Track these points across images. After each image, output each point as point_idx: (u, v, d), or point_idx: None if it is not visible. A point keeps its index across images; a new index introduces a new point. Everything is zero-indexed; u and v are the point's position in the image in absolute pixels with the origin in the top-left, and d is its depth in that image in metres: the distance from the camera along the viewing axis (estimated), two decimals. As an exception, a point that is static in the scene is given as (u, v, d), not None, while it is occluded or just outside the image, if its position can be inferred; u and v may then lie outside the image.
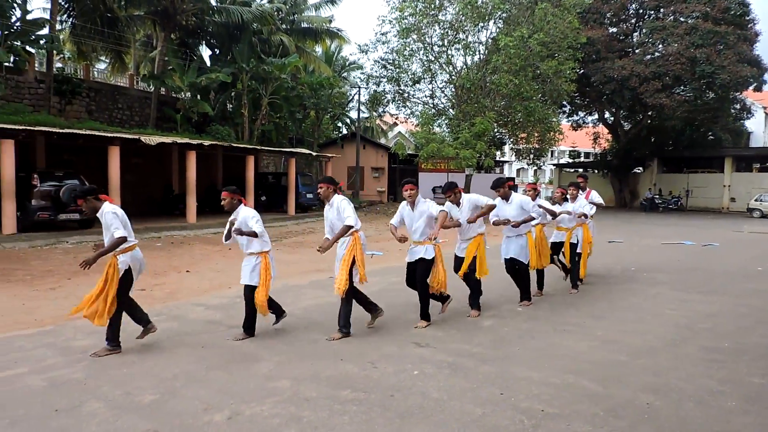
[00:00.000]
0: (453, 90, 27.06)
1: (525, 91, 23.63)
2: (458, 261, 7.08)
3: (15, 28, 17.68)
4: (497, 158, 37.35)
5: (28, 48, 18.37)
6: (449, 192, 6.92)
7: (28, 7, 19.75)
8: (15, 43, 17.55)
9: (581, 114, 38.98)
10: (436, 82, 27.70)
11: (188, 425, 3.84)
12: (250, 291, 5.89)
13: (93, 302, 5.31)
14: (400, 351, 5.52)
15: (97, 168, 17.78)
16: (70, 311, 5.64)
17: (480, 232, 6.94)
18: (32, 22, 18.27)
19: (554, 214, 8.03)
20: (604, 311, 7.40)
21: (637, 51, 31.64)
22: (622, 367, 5.08)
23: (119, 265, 5.36)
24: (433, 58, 26.51)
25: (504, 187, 7.32)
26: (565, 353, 5.50)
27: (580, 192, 9.64)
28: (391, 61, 27.15)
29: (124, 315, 5.53)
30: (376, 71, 27.97)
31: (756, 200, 29.34)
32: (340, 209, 5.94)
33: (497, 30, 25.95)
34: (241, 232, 5.73)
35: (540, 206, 7.85)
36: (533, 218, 7.34)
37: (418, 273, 6.38)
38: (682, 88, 30.74)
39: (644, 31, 32.02)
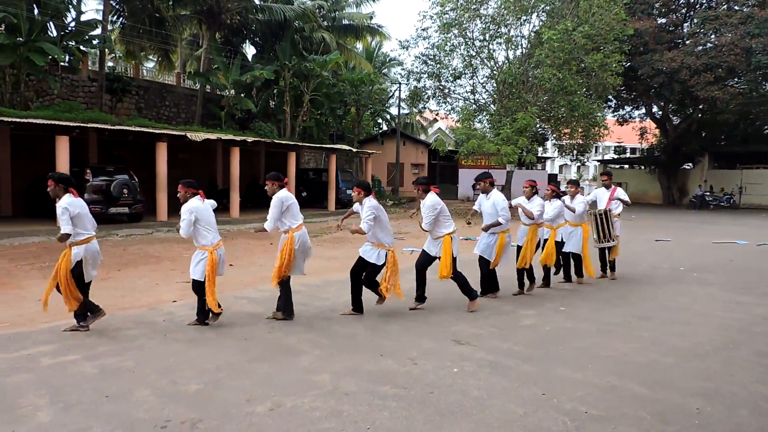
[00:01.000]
0: (494, 85, 26.68)
1: (569, 86, 23.09)
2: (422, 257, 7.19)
3: (70, 29, 18.38)
4: (539, 154, 36.70)
5: (81, 48, 19.08)
6: (481, 182, 7.30)
7: (82, 9, 20.46)
8: (70, 43, 18.25)
9: (627, 108, 37.84)
10: (477, 77, 27.36)
11: (231, 415, 3.92)
12: (196, 285, 6.07)
13: (58, 293, 5.75)
14: (439, 348, 5.50)
15: (145, 163, 18.34)
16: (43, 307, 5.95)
17: (447, 232, 6.81)
18: (86, 23, 18.95)
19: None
20: (650, 311, 7.19)
21: (687, 42, 30.47)
22: (670, 371, 4.92)
23: (72, 257, 5.70)
24: (474, 53, 26.19)
25: (485, 182, 7.32)
26: (609, 354, 5.36)
27: (604, 188, 9.58)
28: (431, 57, 26.96)
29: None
30: (416, 67, 27.84)
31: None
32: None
33: (540, 23, 25.42)
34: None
35: (514, 205, 7.89)
36: (500, 224, 7.19)
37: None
38: (736, 80, 29.43)
39: (696, 21, 30.81)
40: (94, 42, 19.31)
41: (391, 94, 34.86)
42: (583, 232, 8.68)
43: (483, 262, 7.54)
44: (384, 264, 6.51)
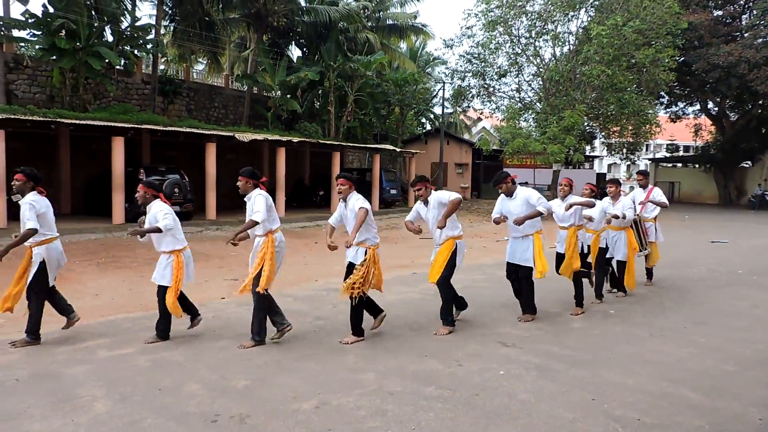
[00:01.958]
0: (540, 83, 26.20)
1: (618, 82, 22.44)
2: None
3: (125, 34, 19.08)
4: (587, 153, 35.79)
5: (136, 52, 19.79)
6: (419, 185, 6.12)
7: (137, 14, 21.24)
8: (125, 47, 18.95)
9: (681, 105, 36.45)
10: (522, 75, 26.94)
11: (278, 411, 3.98)
12: (161, 291, 5.62)
13: (11, 291, 5.47)
14: (485, 350, 5.43)
15: (195, 163, 18.86)
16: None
17: (450, 236, 6.03)
18: (140, 28, 19.64)
19: (592, 205, 7.05)
20: (706, 316, 6.90)
21: (746, 35, 29.12)
22: (729, 378, 4.71)
23: (33, 257, 5.45)
24: (519, 51, 25.79)
25: (506, 183, 6.44)
26: (662, 360, 5.17)
27: (641, 189, 8.82)
28: (476, 55, 26.70)
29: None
30: (460, 66, 27.62)
31: None
32: (251, 203, 5.55)
33: (588, 19, 24.81)
34: (136, 232, 5.56)
35: (568, 203, 6.92)
36: (540, 213, 6.22)
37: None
38: (799, 74, 27.95)
39: (755, 12, 29.41)
40: (148, 46, 19.99)
41: (434, 93, 34.70)
42: (627, 236, 7.65)
43: (519, 271, 6.50)
44: (363, 262, 5.67)
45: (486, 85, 27.35)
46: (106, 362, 4.99)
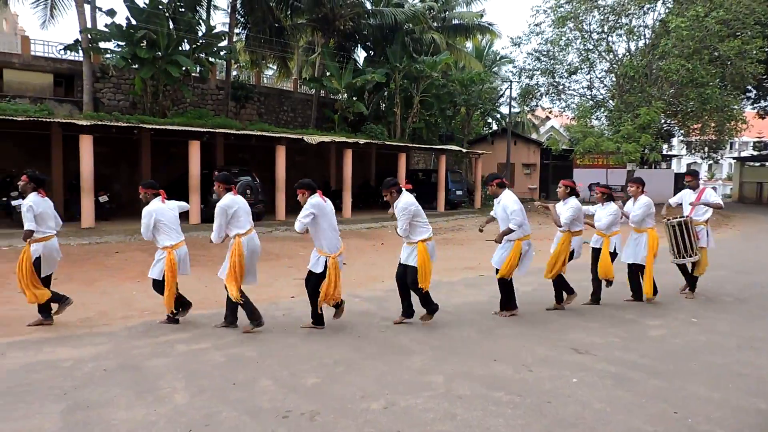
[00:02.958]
0: (614, 79, 25.22)
1: (700, 77, 21.21)
2: (400, 268, 6.31)
3: (200, 42, 19.95)
4: (664, 152, 34.09)
5: (210, 59, 20.64)
6: (385, 191, 6.14)
7: (211, 23, 22.15)
8: (201, 55, 19.82)
9: (771, 99, 34.05)
10: (594, 71, 26.04)
11: (347, 410, 4.02)
12: (155, 284, 6.13)
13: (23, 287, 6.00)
14: (556, 356, 5.27)
15: (266, 165, 19.45)
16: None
17: (419, 239, 6.04)
18: (214, 36, 20.47)
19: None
20: (802, 328, 6.38)
21: None
22: (829, 395, 4.33)
23: (32, 253, 5.96)
24: (591, 47, 24.94)
25: (491, 185, 6.45)
26: (753, 373, 4.83)
27: (690, 191, 7.97)
28: (545, 53, 26.06)
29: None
30: (528, 64, 27.06)
31: None
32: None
33: (666, 11, 23.64)
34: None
35: (543, 206, 7.00)
36: (511, 230, 6.20)
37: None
38: None
39: None
40: (222, 53, 20.80)
41: (501, 92, 34.14)
42: (648, 239, 7.15)
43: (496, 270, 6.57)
44: (323, 273, 5.79)
45: (555, 83, 26.64)
46: (185, 356, 5.22)
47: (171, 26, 18.57)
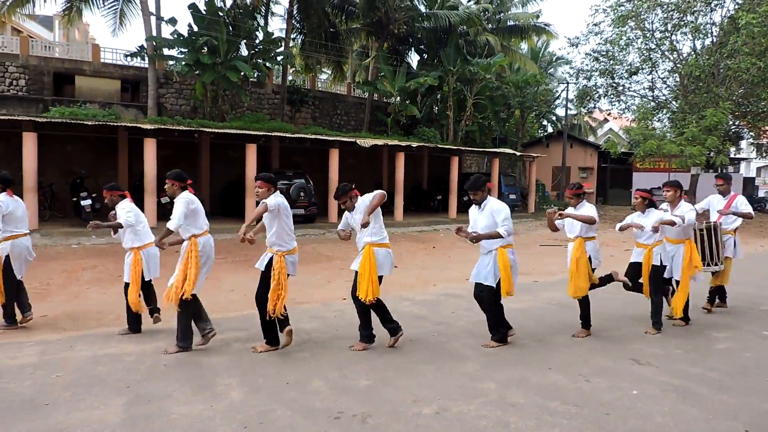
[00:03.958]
0: (677, 79, 24.20)
1: (773, 76, 20.09)
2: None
3: (258, 48, 20.49)
4: (732, 155, 32.41)
5: (267, 64, 21.17)
6: (343, 197, 5.59)
7: (269, 29, 22.73)
8: (258, 60, 20.35)
9: None
10: (656, 72, 25.06)
11: (398, 414, 4.00)
12: (125, 287, 5.95)
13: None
14: (614, 366, 5.08)
15: (319, 168, 19.73)
16: None
17: (367, 242, 5.50)
18: (271, 41, 20.97)
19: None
20: None
21: None
22: None
23: (0, 252, 5.97)
24: (653, 46, 24.01)
25: (482, 191, 5.67)
26: (832, 392, 4.50)
27: (719, 196, 7.33)
28: (604, 53, 25.29)
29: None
30: (586, 65, 26.32)
31: None
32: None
33: (736, 7, 22.48)
34: (97, 226, 5.81)
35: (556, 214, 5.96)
36: (500, 236, 5.39)
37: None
38: None
39: None
40: (279, 58, 21.29)
41: (557, 94, 33.37)
42: (685, 251, 6.37)
43: (487, 292, 5.59)
44: (268, 272, 5.40)
45: (614, 84, 25.82)
46: (240, 354, 5.34)
47: (231, 33, 19.15)
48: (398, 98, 24.18)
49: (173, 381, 4.59)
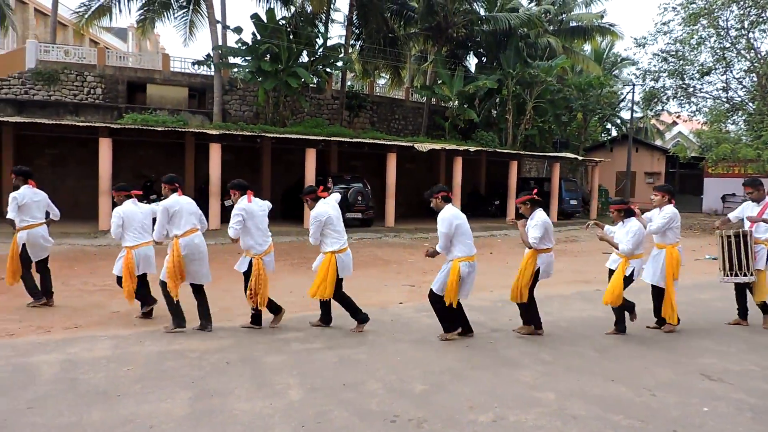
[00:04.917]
0: (755, 79, 22.89)
1: None
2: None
3: (318, 54, 20.91)
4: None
5: (327, 70, 21.57)
6: (306, 196, 6.32)
7: (328, 36, 23.17)
8: (318, 67, 20.77)
9: None
10: (731, 72, 23.79)
11: (454, 420, 3.97)
12: (118, 281, 6.54)
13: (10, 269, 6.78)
14: (683, 381, 4.85)
15: (377, 172, 19.90)
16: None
17: (329, 250, 6.09)
18: (331, 48, 21.37)
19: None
20: None
21: None
22: None
23: (18, 240, 6.71)
24: (728, 45, 22.81)
25: (437, 197, 5.90)
26: None
27: (753, 204, 6.70)
28: (673, 53, 24.23)
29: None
30: (654, 65, 25.32)
31: None
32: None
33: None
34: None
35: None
36: (436, 251, 5.82)
37: None
38: None
39: None
40: (338, 64, 21.65)
41: (622, 97, 32.25)
42: (666, 256, 6.26)
43: (434, 298, 5.86)
44: (248, 272, 6.02)
45: (684, 85, 24.69)
46: (299, 354, 5.45)
47: (291, 40, 19.63)
48: (456, 102, 24.05)
49: (235, 378, 4.74)
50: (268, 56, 18.97)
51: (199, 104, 21.66)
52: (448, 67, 24.69)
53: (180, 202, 6.07)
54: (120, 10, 21.53)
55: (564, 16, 29.37)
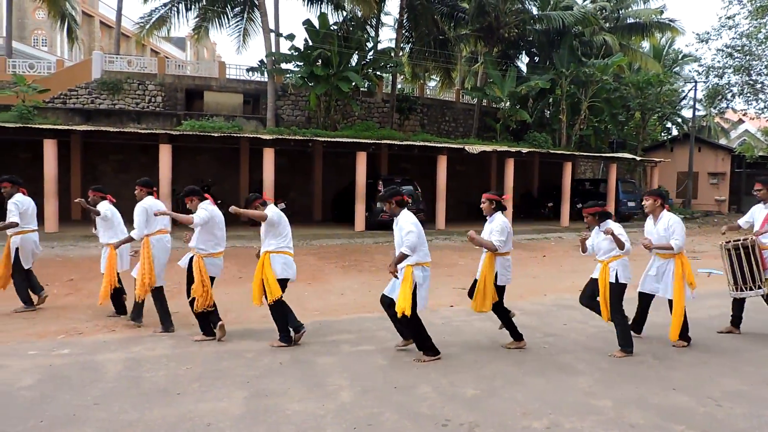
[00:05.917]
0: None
1: None
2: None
3: (369, 58, 21.08)
4: None
5: (378, 74, 21.71)
6: (250, 205, 5.92)
7: (378, 39, 23.33)
8: (369, 70, 20.94)
9: None
10: (803, 66, 22.47)
11: (507, 426, 3.92)
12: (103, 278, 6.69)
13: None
14: (751, 391, 4.61)
15: (427, 175, 19.85)
16: None
17: (266, 250, 5.80)
18: (381, 52, 21.51)
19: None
20: None
21: None
22: None
23: (11, 244, 6.82)
24: (799, 38, 21.56)
25: (391, 202, 5.36)
26: None
27: (761, 205, 6.19)
28: (739, 48, 23.12)
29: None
30: (718, 61, 24.25)
31: None
32: None
33: None
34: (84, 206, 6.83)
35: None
36: (405, 255, 5.13)
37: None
38: None
39: None
40: (388, 67, 21.74)
41: (683, 94, 30.94)
42: (675, 267, 5.70)
43: (391, 306, 5.42)
44: (189, 270, 5.92)
45: (752, 82, 23.51)
46: (350, 356, 5.50)
47: (342, 45, 19.87)
48: (508, 103, 23.69)
49: (288, 378, 4.83)
50: (320, 61, 19.27)
51: (253, 110, 22.23)
52: (499, 67, 24.37)
53: (158, 205, 6.45)
54: (178, 20, 22.41)
55: (621, 12, 28.46)
